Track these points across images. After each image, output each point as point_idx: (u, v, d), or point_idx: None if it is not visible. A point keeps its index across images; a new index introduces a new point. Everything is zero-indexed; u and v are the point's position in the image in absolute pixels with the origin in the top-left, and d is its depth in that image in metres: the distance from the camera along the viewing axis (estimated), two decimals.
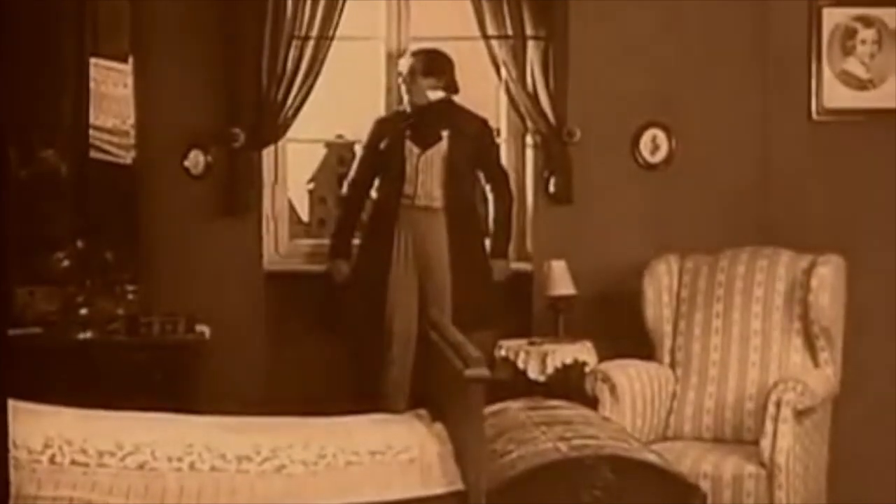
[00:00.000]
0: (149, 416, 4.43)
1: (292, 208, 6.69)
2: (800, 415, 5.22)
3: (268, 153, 6.28)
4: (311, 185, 7.09)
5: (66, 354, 5.52)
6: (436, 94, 6.08)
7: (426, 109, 6.09)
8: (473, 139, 6.12)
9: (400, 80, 6.15)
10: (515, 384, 5.74)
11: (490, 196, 6.23)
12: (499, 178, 6.24)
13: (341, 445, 4.19)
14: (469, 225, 6.15)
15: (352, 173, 6.28)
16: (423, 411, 4.64)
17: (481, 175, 6.22)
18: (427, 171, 6.08)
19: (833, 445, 5.67)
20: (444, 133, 6.08)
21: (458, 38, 6.34)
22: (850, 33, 6.26)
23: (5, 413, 3.10)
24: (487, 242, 6.25)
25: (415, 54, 6.13)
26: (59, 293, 5.70)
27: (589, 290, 6.13)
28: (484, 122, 6.20)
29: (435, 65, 6.09)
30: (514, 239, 6.41)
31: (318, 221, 7.10)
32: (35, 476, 3.97)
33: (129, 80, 6.07)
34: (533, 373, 5.90)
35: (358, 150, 6.43)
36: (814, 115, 6.29)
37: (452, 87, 6.12)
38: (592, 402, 5.39)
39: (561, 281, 6.07)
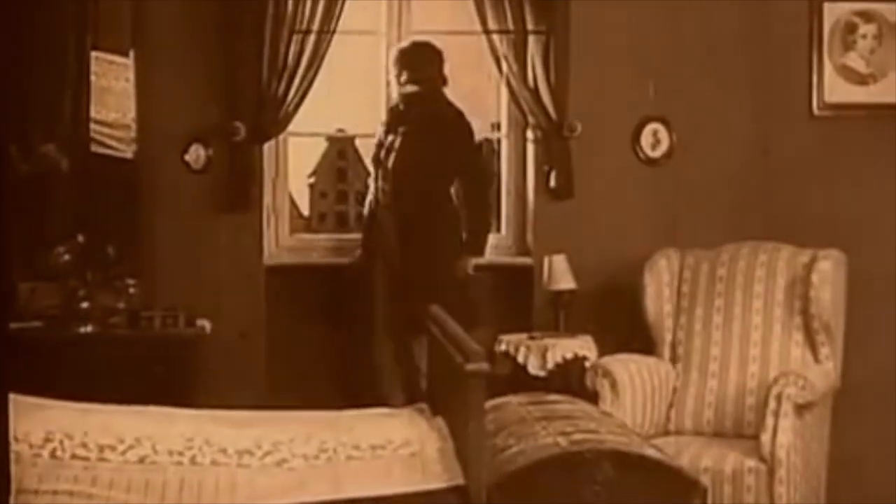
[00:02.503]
0: (149, 410, 4.43)
1: (293, 202, 6.69)
2: (800, 409, 5.22)
3: (268, 147, 6.28)
4: (312, 180, 7.09)
5: (67, 348, 5.52)
6: (406, 89, 6.04)
7: (396, 104, 6.08)
8: (440, 136, 6.00)
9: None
10: (516, 379, 5.75)
11: (462, 192, 6.11)
12: (469, 173, 6.09)
13: (342, 440, 4.19)
14: (421, 221, 6.00)
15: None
16: (423, 406, 4.65)
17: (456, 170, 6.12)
18: (383, 167, 6.06)
19: (833, 440, 5.68)
20: (401, 129, 6.03)
21: (458, 32, 6.35)
22: (851, 28, 6.27)
23: (6, 407, 3.10)
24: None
25: (400, 47, 6.11)
26: (60, 287, 5.69)
27: (589, 284, 6.13)
28: (456, 117, 6.06)
29: (406, 58, 6.04)
30: (515, 233, 6.42)
31: (319, 216, 7.11)
32: (36, 470, 3.97)
33: (130, 74, 6.07)
34: (533, 367, 5.90)
35: (359, 144, 6.45)
36: (814, 110, 6.30)
37: (427, 81, 6.02)
38: (593, 397, 5.40)
39: (561, 275, 6.08)
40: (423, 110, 6.04)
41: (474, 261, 6.15)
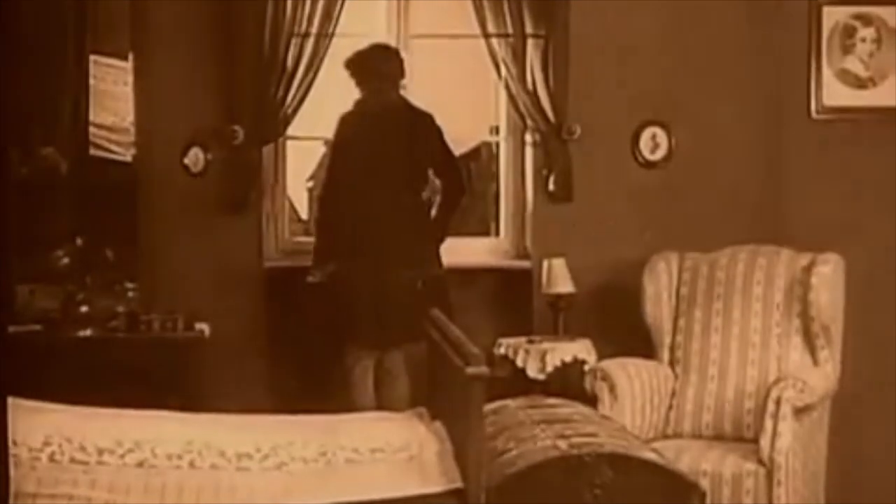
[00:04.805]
0: (148, 413, 4.44)
1: (292, 206, 6.69)
2: (799, 412, 5.22)
3: (267, 151, 6.28)
4: (311, 183, 7.09)
5: (66, 352, 5.52)
6: (357, 93, 6.03)
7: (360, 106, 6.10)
8: (381, 141, 6.00)
9: None
10: (515, 382, 5.75)
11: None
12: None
13: (341, 443, 4.19)
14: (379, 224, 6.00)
15: None
16: (422, 409, 4.65)
17: None
18: None
19: (832, 443, 5.68)
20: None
21: (458, 35, 6.35)
22: (850, 31, 6.27)
23: (5, 411, 3.09)
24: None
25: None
26: (60, 291, 5.69)
27: (588, 288, 6.14)
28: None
29: (353, 63, 6.01)
30: (514, 237, 6.43)
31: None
32: (35, 474, 3.97)
33: (129, 78, 6.07)
34: (532, 371, 5.90)
35: None
36: (813, 114, 6.30)
37: (362, 85, 6.01)
38: (592, 401, 5.39)
39: (560, 279, 6.08)
40: (370, 115, 6.00)
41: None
